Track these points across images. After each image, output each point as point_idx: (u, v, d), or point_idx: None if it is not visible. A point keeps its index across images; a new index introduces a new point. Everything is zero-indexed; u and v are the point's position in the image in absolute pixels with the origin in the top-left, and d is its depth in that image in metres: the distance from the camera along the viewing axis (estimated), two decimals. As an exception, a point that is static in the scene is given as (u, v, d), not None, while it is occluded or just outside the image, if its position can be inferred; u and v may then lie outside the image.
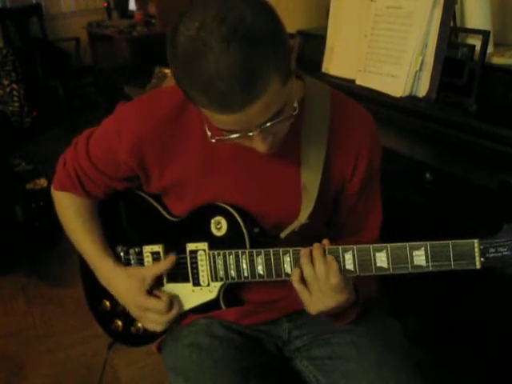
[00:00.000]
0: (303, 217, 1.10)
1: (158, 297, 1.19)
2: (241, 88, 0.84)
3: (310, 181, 1.09)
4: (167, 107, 1.11)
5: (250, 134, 0.93)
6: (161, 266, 1.19)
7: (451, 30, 1.66)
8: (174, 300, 1.19)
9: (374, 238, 1.20)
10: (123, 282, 1.21)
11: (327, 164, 1.10)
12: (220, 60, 0.83)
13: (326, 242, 1.04)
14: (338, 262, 1.01)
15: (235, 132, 0.94)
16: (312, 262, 1.02)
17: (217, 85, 0.84)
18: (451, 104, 1.63)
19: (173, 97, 1.11)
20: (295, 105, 0.97)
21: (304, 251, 1.03)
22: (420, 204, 1.55)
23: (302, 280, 1.03)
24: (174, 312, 1.19)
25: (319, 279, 1.01)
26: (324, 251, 1.02)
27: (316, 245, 1.03)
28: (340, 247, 1.02)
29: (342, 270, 1.02)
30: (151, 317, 1.19)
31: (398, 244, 0.99)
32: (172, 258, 1.18)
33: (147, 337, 1.26)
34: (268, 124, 0.92)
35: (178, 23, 0.88)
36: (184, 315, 1.22)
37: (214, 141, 0.99)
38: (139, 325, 1.26)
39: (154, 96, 1.18)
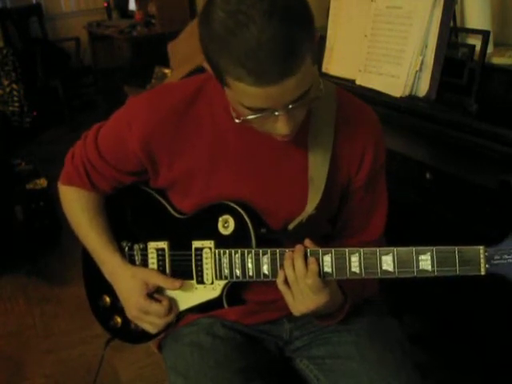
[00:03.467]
0: (310, 208, 1.11)
1: (158, 300, 1.19)
2: (281, 60, 0.86)
3: (317, 174, 1.10)
4: (177, 100, 1.12)
5: (276, 113, 0.94)
6: (166, 282, 1.18)
7: (451, 30, 1.66)
8: (172, 303, 1.19)
9: (379, 235, 1.21)
10: (126, 281, 1.21)
11: (334, 158, 1.11)
12: (263, 31, 0.84)
13: (307, 243, 1.05)
14: (318, 264, 1.03)
15: (262, 111, 0.94)
16: (293, 263, 1.04)
17: (258, 55, 0.85)
18: (451, 104, 1.63)
19: (183, 90, 1.12)
20: (321, 86, 0.99)
21: (288, 254, 1.05)
22: (420, 204, 1.55)
23: (286, 282, 1.05)
24: (173, 316, 1.19)
25: (298, 280, 1.03)
26: (306, 253, 1.04)
27: (298, 246, 1.05)
28: (320, 249, 1.04)
29: (348, 273, 1.03)
30: (149, 319, 1.20)
31: (405, 248, 0.99)
32: (179, 283, 1.17)
33: (146, 334, 1.25)
34: (298, 102, 0.93)
35: (213, 0, 0.89)
36: (182, 316, 1.22)
37: (238, 121, 0.99)
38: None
39: (165, 89, 1.20)
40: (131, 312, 1.22)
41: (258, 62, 0.86)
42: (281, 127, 0.97)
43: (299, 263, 1.03)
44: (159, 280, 1.19)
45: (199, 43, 0.94)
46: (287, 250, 1.06)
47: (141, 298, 1.18)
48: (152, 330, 1.21)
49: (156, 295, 1.20)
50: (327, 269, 1.03)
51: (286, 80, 0.88)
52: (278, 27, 0.85)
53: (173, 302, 1.20)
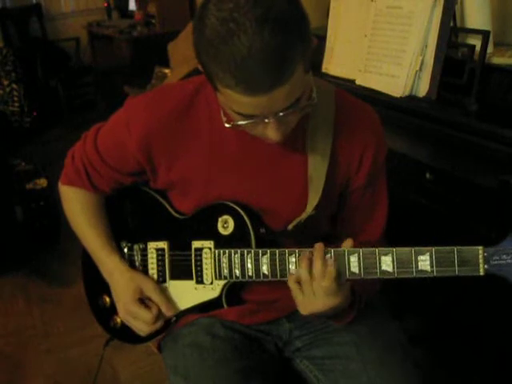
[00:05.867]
0: (310, 208, 1.10)
1: (148, 306, 1.18)
2: (271, 70, 0.85)
3: (317, 174, 1.10)
4: (176, 101, 1.12)
5: (266, 120, 0.94)
6: (160, 299, 1.18)
7: (451, 30, 1.66)
8: (160, 313, 1.18)
9: (379, 234, 1.21)
10: (122, 283, 1.20)
11: (333, 158, 1.11)
12: (253, 41, 0.84)
13: (349, 242, 1.03)
14: (343, 265, 1.02)
15: (252, 117, 0.94)
16: (311, 262, 1.02)
17: (248, 65, 0.85)
18: (451, 104, 1.63)
19: (182, 91, 1.12)
20: (314, 95, 0.98)
21: (306, 253, 1.03)
22: (420, 204, 1.55)
23: (298, 281, 1.04)
24: (159, 325, 1.18)
25: (314, 281, 1.01)
26: (324, 253, 1.02)
27: (318, 246, 1.03)
28: (346, 250, 1.02)
29: (347, 273, 1.02)
30: (136, 324, 1.19)
31: (404, 248, 0.99)
32: (172, 313, 1.17)
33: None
34: (289, 111, 0.93)
35: (207, 4, 0.89)
36: (182, 316, 1.22)
37: (228, 126, 1.00)
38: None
39: (164, 90, 1.20)
40: (120, 312, 1.22)
41: (248, 72, 0.85)
42: (271, 134, 0.97)
43: (319, 264, 1.01)
44: (154, 293, 1.18)
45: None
46: (286, 251, 1.06)
47: (131, 302, 1.17)
48: (140, 333, 1.21)
49: (147, 301, 1.19)
50: (354, 269, 1.02)
51: (276, 89, 0.87)
52: (269, 37, 0.84)
53: (171, 303, 1.19)
